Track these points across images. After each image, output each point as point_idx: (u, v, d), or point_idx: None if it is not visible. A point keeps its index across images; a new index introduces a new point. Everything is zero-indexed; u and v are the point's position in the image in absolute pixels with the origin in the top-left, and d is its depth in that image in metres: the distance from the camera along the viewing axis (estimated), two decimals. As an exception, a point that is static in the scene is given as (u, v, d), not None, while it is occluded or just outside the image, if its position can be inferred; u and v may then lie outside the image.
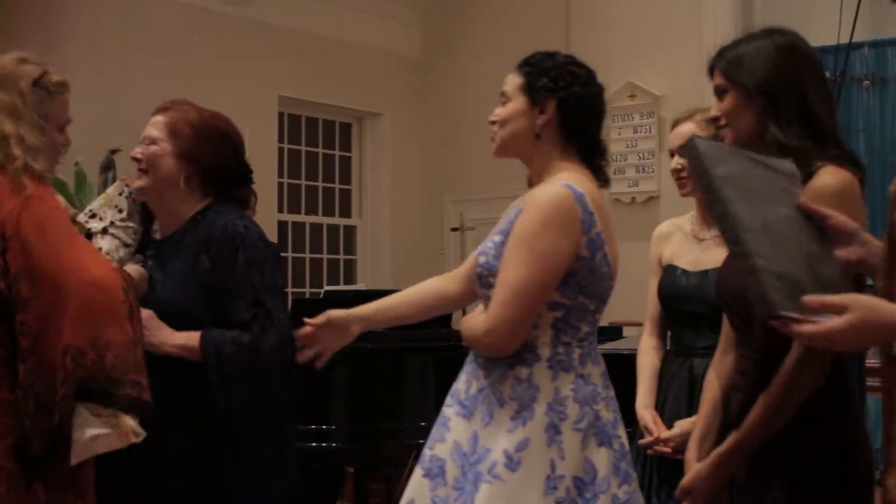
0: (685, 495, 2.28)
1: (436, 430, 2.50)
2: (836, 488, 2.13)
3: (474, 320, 2.48)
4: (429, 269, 9.76)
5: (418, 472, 2.48)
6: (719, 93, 2.26)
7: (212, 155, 2.83)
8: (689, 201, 3.35)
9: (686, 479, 2.28)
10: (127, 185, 2.93)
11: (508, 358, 2.41)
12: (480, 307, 2.58)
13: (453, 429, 2.46)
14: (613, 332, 5.52)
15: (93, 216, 2.90)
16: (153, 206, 2.90)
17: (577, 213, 2.38)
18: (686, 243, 3.23)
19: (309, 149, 9.53)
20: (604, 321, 8.82)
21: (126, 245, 2.88)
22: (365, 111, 9.83)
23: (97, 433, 2.48)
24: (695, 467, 2.28)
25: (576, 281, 2.40)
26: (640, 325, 8.09)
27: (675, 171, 3.21)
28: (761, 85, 2.17)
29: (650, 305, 3.26)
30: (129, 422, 2.50)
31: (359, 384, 4.66)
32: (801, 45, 2.24)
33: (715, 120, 2.27)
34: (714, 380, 2.39)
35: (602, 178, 2.57)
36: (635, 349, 4.02)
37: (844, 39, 6.98)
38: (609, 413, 2.45)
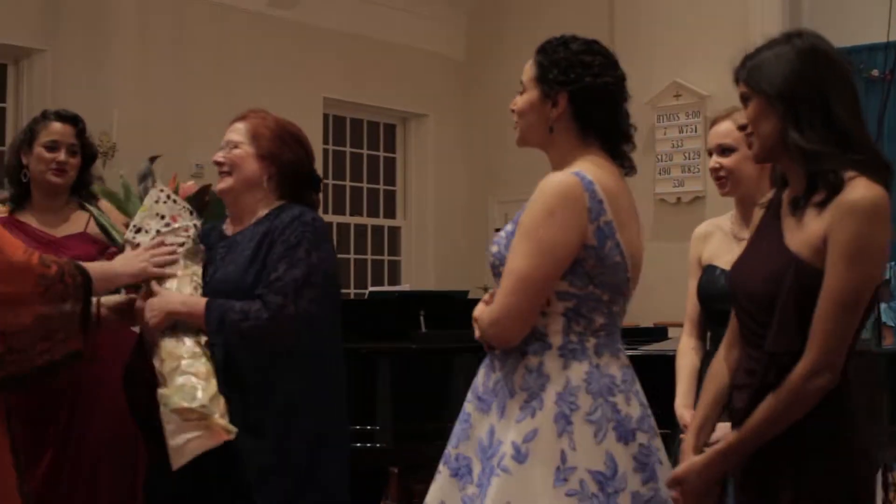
0: (675, 485, 2.26)
1: (458, 428, 2.46)
2: (843, 495, 2.11)
3: (482, 311, 2.45)
4: (473, 269, 9.75)
5: (445, 472, 2.44)
6: (744, 101, 2.26)
7: (289, 156, 2.99)
8: (733, 202, 3.34)
9: (679, 470, 2.27)
10: (162, 191, 2.96)
11: (521, 348, 2.36)
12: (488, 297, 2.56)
13: (474, 425, 2.43)
14: (659, 332, 5.48)
15: (137, 230, 2.93)
16: (232, 207, 3.02)
17: (584, 200, 2.31)
18: (726, 243, 3.21)
19: (354, 150, 9.57)
20: (648, 321, 8.80)
21: (181, 245, 2.91)
22: (410, 112, 9.85)
23: (190, 437, 2.57)
24: (689, 459, 2.26)
25: (584, 270, 2.33)
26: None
27: (714, 171, 3.19)
28: (781, 91, 2.16)
29: (689, 306, 3.25)
30: (220, 421, 2.58)
31: (403, 384, 4.67)
32: (823, 47, 2.20)
33: (743, 128, 2.27)
34: (718, 372, 2.36)
35: (627, 165, 2.49)
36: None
37: (894, 37, 6.89)
38: (631, 407, 2.37)
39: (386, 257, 9.76)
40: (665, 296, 8.81)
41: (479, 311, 2.48)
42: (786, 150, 2.16)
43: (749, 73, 2.23)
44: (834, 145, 2.12)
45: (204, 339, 2.75)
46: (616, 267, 2.36)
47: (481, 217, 9.84)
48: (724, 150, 3.13)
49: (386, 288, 8.37)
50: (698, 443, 2.31)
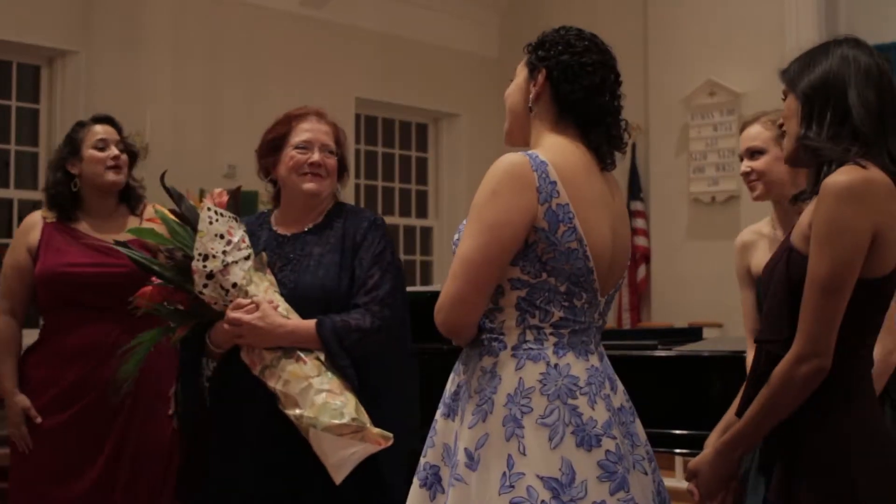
0: (692, 476, 2.29)
1: (429, 437, 2.36)
2: (836, 479, 2.08)
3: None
4: (506, 269, 9.71)
5: (415, 483, 2.33)
6: (784, 98, 2.30)
7: (346, 164, 3.16)
8: (770, 204, 3.29)
9: (694, 461, 2.29)
10: (209, 209, 2.93)
11: (479, 349, 2.25)
12: None
13: (439, 431, 2.33)
14: (693, 333, 5.43)
15: (205, 257, 2.87)
16: (308, 206, 3.04)
17: (532, 180, 2.19)
18: (772, 249, 3.15)
19: (385, 150, 9.56)
20: (683, 321, 8.72)
21: (247, 258, 2.90)
22: (442, 112, 9.83)
23: (352, 450, 2.63)
24: (704, 451, 2.31)
25: (535, 255, 2.20)
26: (719, 325, 8.03)
27: (745, 175, 3.15)
28: (804, 90, 2.20)
29: (748, 320, 3.15)
30: (375, 430, 2.64)
31: (433, 385, 4.65)
32: (854, 54, 2.20)
33: (781, 125, 2.29)
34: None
35: (605, 159, 2.37)
36: (716, 351, 3.97)
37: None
38: (596, 411, 2.19)
39: (418, 257, 9.75)
40: (700, 295, 8.77)
41: None
42: (803, 147, 2.19)
43: (787, 72, 2.28)
44: (845, 139, 2.12)
45: (321, 355, 2.79)
46: (571, 254, 2.21)
47: (514, 217, 9.79)
48: (754, 153, 3.11)
49: (418, 288, 8.35)
50: (720, 438, 2.33)
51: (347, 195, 8.42)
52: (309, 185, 2.99)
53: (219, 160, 7.96)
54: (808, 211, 2.13)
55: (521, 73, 2.44)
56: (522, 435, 2.13)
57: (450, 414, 2.31)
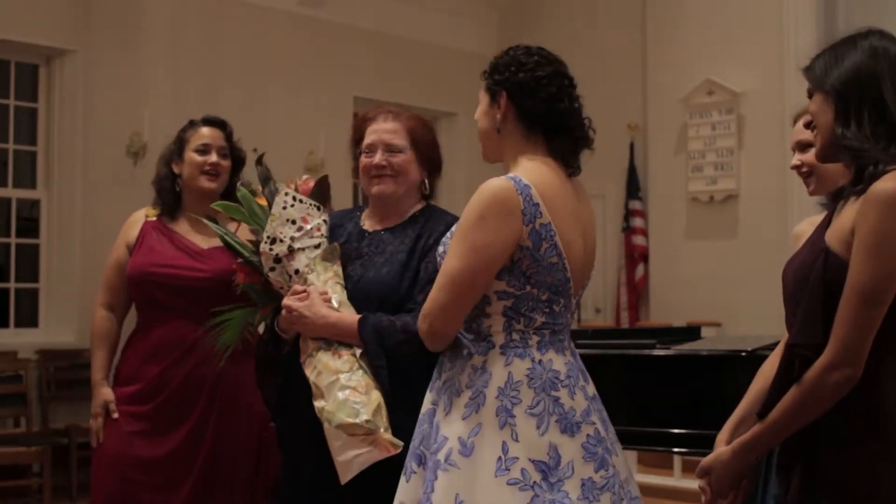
0: (704, 474, 2.28)
1: (416, 431, 2.54)
2: (858, 490, 2.07)
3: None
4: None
5: (402, 479, 2.51)
6: (809, 97, 2.27)
7: (438, 156, 3.10)
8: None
9: (707, 459, 2.28)
10: (287, 194, 2.96)
11: (468, 349, 2.46)
12: None
13: (422, 423, 2.52)
14: (691, 332, 5.42)
15: (273, 241, 2.91)
16: (388, 208, 3.05)
17: (517, 204, 2.39)
18: None
19: (384, 149, 9.55)
20: (680, 321, 8.72)
21: (317, 247, 2.92)
22: (440, 111, 9.83)
23: (359, 452, 2.63)
24: (718, 450, 2.28)
25: (521, 270, 2.42)
26: (718, 325, 8.04)
27: (796, 168, 3.12)
28: (835, 86, 2.16)
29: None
30: (386, 436, 2.63)
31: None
32: (883, 45, 2.18)
33: (808, 124, 2.26)
34: (766, 369, 2.36)
35: (572, 165, 2.55)
36: (714, 350, 3.97)
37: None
38: (576, 401, 2.43)
39: (416, 256, 9.74)
40: (698, 295, 8.78)
41: None
42: (838, 146, 2.15)
43: (811, 69, 2.25)
44: (883, 140, 2.09)
45: (359, 351, 2.78)
46: (552, 268, 2.43)
47: (512, 216, 9.80)
48: (804, 147, 3.08)
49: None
50: (731, 437, 2.31)
51: (346, 195, 8.43)
52: (374, 189, 3.01)
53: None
54: (850, 214, 2.09)
55: (484, 98, 2.60)
56: (515, 423, 2.36)
57: (434, 406, 2.50)
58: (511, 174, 2.45)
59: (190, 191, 3.58)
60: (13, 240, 7.54)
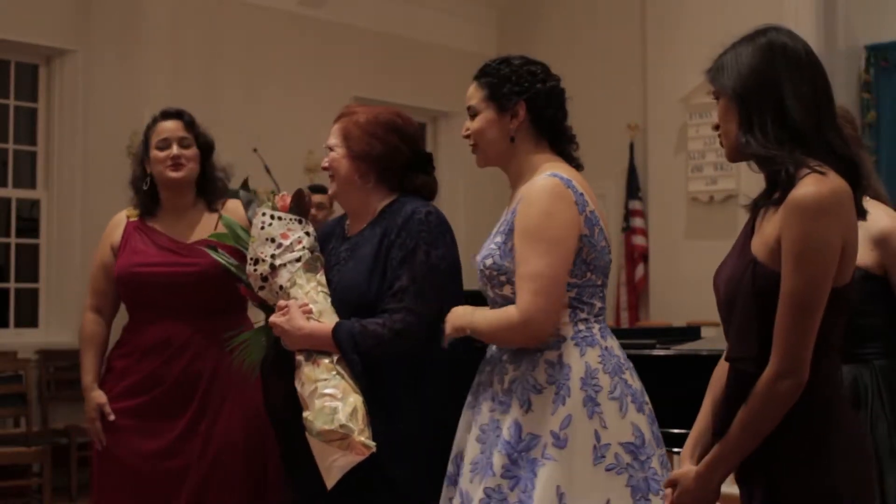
0: (671, 485, 2.24)
1: (460, 435, 2.64)
2: (818, 498, 2.07)
3: (500, 313, 2.55)
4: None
5: (445, 483, 2.62)
6: (715, 99, 2.24)
7: (380, 147, 3.01)
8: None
9: (675, 473, 2.24)
10: (265, 214, 2.99)
11: (536, 346, 2.53)
12: (468, 309, 2.67)
13: (484, 436, 2.57)
14: (691, 332, 5.43)
15: (256, 262, 2.96)
16: (345, 208, 3.10)
17: (571, 197, 2.53)
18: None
19: (384, 149, 9.55)
20: (681, 321, 8.72)
21: (297, 260, 2.93)
22: (440, 111, 9.83)
23: (335, 457, 2.67)
24: (684, 468, 2.22)
25: (581, 259, 2.54)
26: (717, 325, 8.03)
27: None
28: (735, 90, 2.15)
29: None
30: (359, 438, 2.66)
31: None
32: (782, 41, 2.16)
33: (716, 128, 2.24)
34: (713, 382, 2.34)
35: (576, 164, 2.71)
36: (714, 350, 3.97)
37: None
38: (636, 381, 2.60)
39: (416, 256, 9.74)
40: (698, 295, 8.76)
41: (491, 315, 2.59)
42: (743, 152, 2.14)
43: (714, 72, 2.24)
44: (788, 144, 2.07)
45: (336, 357, 2.79)
46: (603, 251, 2.58)
47: (512, 216, 9.79)
48: None
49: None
50: (694, 453, 2.26)
51: (346, 194, 8.45)
52: (329, 192, 3.09)
53: (216, 159, 7.95)
54: (773, 223, 2.08)
55: (486, 108, 2.68)
56: (601, 411, 2.49)
57: (504, 409, 2.55)
58: (549, 172, 2.58)
59: (163, 186, 3.57)
60: (13, 240, 7.54)
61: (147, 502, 3.39)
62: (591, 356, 2.53)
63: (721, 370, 2.30)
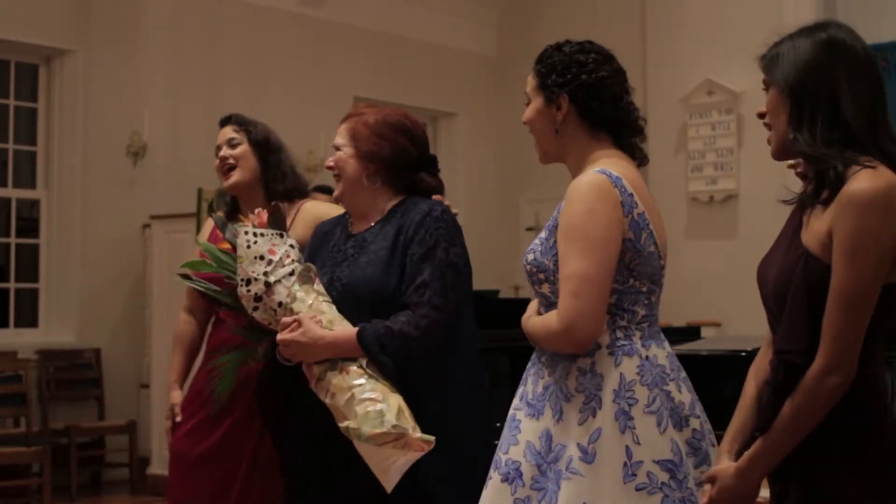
0: (709, 480, 2.21)
1: (507, 434, 2.49)
2: (860, 497, 2.05)
3: (544, 319, 2.46)
4: (503, 269, 9.73)
5: (496, 477, 2.46)
6: (765, 89, 2.21)
7: (389, 148, 2.98)
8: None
9: (714, 470, 2.22)
10: (247, 232, 2.93)
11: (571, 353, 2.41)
12: (534, 305, 2.58)
13: (524, 430, 2.45)
14: (691, 332, 5.43)
15: (248, 282, 2.88)
16: (349, 208, 3.06)
17: (616, 196, 2.38)
18: None
19: (384, 149, 9.55)
20: (680, 321, 8.74)
21: (291, 274, 2.89)
22: (440, 111, 9.83)
23: (394, 458, 2.62)
24: (722, 464, 2.21)
25: (624, 264, 2.39)
26: (717, 325, 8.04)
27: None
28: (791, 84, 2.11)
29: None
30: (416, 434, 2.61)
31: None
32: (841, 37, 2.12)
33: (761, 116, 2.21)
34: (752, 375, 2.32)
35: (639, 156, 2.56)
36: (714, 350, 3.97)
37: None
38: (682, 394, 2.41)
39: (416, 256, 9.74)
40: (698, 295, 8.78)
41: (537, 319, 2.50)
42: (792, 149, 2.13)
43: (768, 62, 2.19)
44: (838, 143, 2.05)
45: (364, 361, 2.75)
46: (651, 257, 2.42)
47: (512, 216, 9.81)
48: None
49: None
50: (732, 448, 2.24)
51: (346, 194, 8.45)
52: (335, 193, 3.04)
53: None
54: (823, 219, 2.06)
55: (536, 97, 2.54)
56: (634, 426, 2.31)
57: (535, 414, 2.44)
58: (598, 168, 2.42)
59: (232, 193, 3.57)
60: (13, 240, 7.55)
61: (205, 498, 3.40)
62: (628, 366, 2.37)
63: (761, 364, 2.29)
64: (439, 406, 2.79)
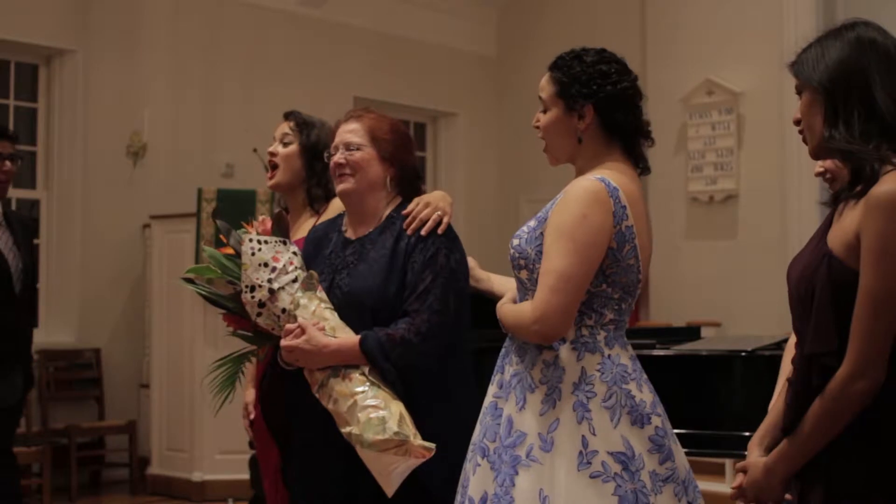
0: (742, 470, 2.25)
1: (492, 423, 2.58)
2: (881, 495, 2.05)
3: (517, 308, 2.56)
4: (503, 268, 9.70)
5: (485, 465, 2.54)
6: (798, 93, 2.22)
7: (408, 158, 3.05)
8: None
9: (747, 461, 2.25)
10: (251, 239, 2.95)
11: (537, 342, 2.51)
12: (511, 293, 2.69)
13: (484, 417, 2.59)
14: (691, 332, 5.43)
15: (252, 288, 2.91)
16: (354, 208, 3.04)
17: (610, 206, 2.47)
18: None
19: (384, 149, 9.55)
20: (680, 321, 8.71)
21: (294, 281, 2.91)
22: (440, 111, 9.83)
23: (395, 465, 2.67)
24: (752, 458, 2.23)
25: (601, 269, 2.48)
26: (717, 325, 8.03)
27: (820, 174, 3.06)
28: (823, 83, 2.12)
29: None
30: (417, 441, 2.66)
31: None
32: (870, 36, 2.14)
33: (797, 123, 2.21)
34: (783, 372, 2.33)
35: (642, 165, 2.64)
36: (714, 350, 3.97)
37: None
38: (643, 393, 2.52)
39: (416, 256, 9.73)
40: (698, 295, 8.77)
41: (511, 307, 2.60)
42: (829, 147, 2.12)
43: (799, 66, 2.20)
44: (876, 136, 2.05)
45: (366, 368, 2.79)
46: (629, 269, 2.52)
47: (512, 216, 9.80)
48: None
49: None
50: (763, 441, 2.26)
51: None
52: (338, 188, 3.00)
53: (217, 159, 7.96)
54: (853, 217, 2.05)
55: (554, 105, 2.61)
56: (591, 418, 2.44)
57: (504, 398, 2.56)
58: (599, 175, 2.50)
59: (275, 191, 3.59)
60: (13, 240, 7.54)
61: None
62: (590, 362, 2.48)
63: (788, 359, 2.30)
64: (440, 409, 2.82)
